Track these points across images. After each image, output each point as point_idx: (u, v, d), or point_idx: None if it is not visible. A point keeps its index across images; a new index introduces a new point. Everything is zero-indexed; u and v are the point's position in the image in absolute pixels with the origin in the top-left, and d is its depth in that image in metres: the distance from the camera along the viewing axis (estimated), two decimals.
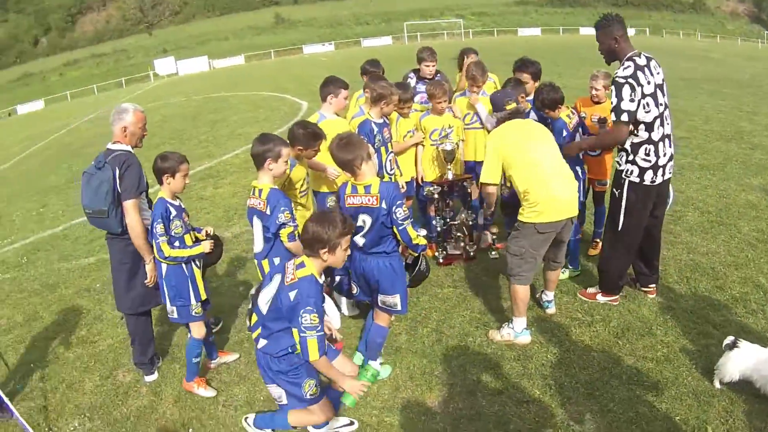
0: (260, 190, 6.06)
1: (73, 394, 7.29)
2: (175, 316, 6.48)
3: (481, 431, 5.67)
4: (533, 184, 6.50)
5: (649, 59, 6.69)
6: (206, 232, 6.76)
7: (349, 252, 5.13)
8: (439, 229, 9.14)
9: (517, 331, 6.99)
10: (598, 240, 8.74)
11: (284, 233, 6.00)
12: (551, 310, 7.52)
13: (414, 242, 5.92)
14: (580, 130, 8.07)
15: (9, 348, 8.73)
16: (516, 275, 6.81)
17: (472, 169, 9.23)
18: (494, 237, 9.37)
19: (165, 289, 6.39)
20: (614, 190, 7.08)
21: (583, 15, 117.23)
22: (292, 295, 4.75)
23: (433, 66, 9.94)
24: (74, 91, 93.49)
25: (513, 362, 6.58)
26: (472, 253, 9.21)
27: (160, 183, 6.20)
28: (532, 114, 8.08)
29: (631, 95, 6.47)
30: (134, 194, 6.45)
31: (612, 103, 6.61)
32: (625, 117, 6.53)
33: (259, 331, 5.13)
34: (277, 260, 6.14)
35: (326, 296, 5.33)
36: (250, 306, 5.56)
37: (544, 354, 6.65)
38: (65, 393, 7.33)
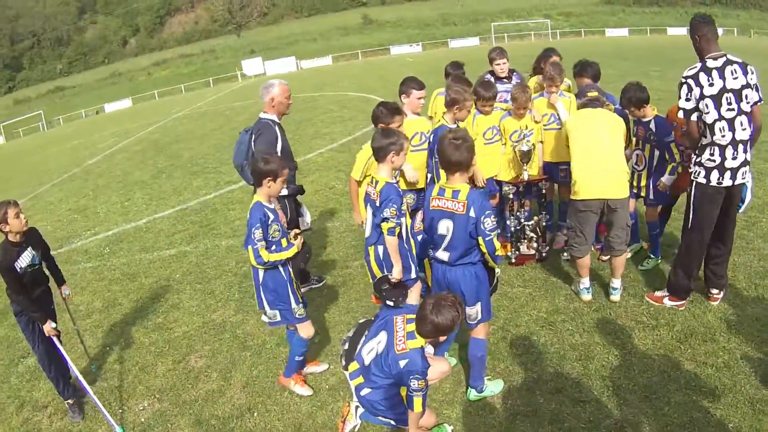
0: (377, 182, 6.21)
1: (145, 376, 7.66)
2: (278, 319, 6.46)
3: (536, 427, 5.74)
4: (576, 163, 7.54)
5: (728, 63, 6.61)
6: (294, 233, 6.57)
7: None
8: (513, 229, 9.18)
9: (579, 288, 8.05)
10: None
11: (385, 227, 6.11)
12: (615, 297, 7.79)
13: (497, 253, 5.83)
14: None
15: (86, 332, 9.18)
16: (570, 246, 7.98)
17: (551, 170, 9.27)
18: (567, 238, 9.27)
19: (262, 294, 6.35)
20: (687, 189, 7.17)
21: (671, 15, 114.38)
22: (402, 363, 5.02)
23: (505, 64, 9.92)
24: (162, 90, 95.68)
25: (574, 362, 6.63)
26: (544, 254, 9.22)
27: (259, 185, 6.14)
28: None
29: (687, 95, 6.69)
30: None
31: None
32: (681, 114, 6.86)
33: (361, 379, 5.35)
34: (381, 249, 6.33)
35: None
36: (345, 347, 5.75)
37: (605, 356, 6.67)
38: (138, 375, 7.72)
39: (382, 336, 5.31)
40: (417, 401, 5.05)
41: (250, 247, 6.01)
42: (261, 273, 6.25)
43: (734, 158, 6.66)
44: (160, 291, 10.37)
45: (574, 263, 8.11)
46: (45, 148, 45.49)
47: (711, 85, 6.52)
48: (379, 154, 6.21)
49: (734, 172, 6.72)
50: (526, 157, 8.70)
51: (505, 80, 9.81)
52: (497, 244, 5.76)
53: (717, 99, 6.52)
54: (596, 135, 7.48)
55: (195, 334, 8.61)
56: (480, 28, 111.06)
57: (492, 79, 9.80)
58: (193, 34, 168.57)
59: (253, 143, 7.82)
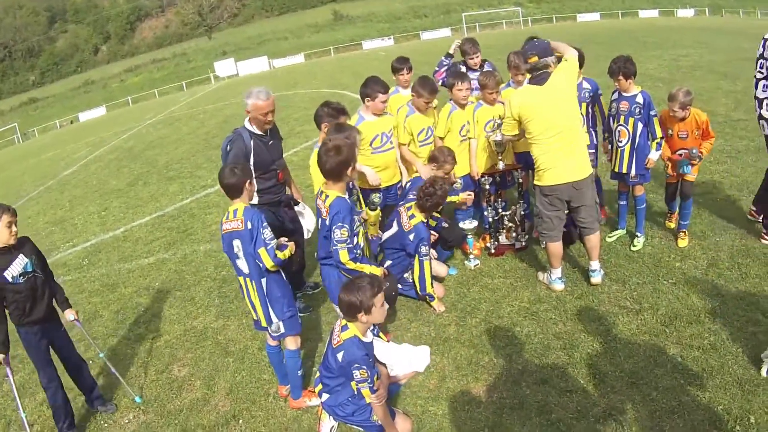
0: (327, 196, 6.19)
1: (129, 388, 7.51)
2: (282, 331, 6.27)
3: (523, 420, 5.71)
4: (536, 147, 7.34)
5: None
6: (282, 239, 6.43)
7: (387, 306, 5.40)
8: (491, 219, 9.14)
9: (551, 279, 7.97)
10: (684, 231, 8.54)
11: (342, 256, 6.14)
12: (595, 279, 7.74)
13: (341, 263, 6.16)
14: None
15: None
16: (541, 233, 7.90)
17: (524, 159, 9.17)
18: None
19: (270, 307, 6.17)
20: None
21: None
22: (339, 356, 5.13)
23: (478, 57, 9.87)
24: (135, 96, 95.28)
25: (559, 351, 6.60)
26: (523, 243, 9.19)
27: (240, 192, 5.97)
28: (584, 83, 8.75)
29: None
30: None
31: None
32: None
33: (320, 386, 5.46)
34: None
35: (384, 341, 5.62)
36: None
37: (590, 343, 6.64)
38: (122, 388, 7.57)
39: (329, 338, 5.45)
40: (365, 393, 5.16)
41: (263, 249, 5.84)
42: (264, 284, 6.10)
43: None
44: (140, 300, 10.28)
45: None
46: (21, 161, 45.18)
47: None
48: (333, 174, 6.18)
49: None
50: (500, 146, 8.66)
51: (478, 71, 9.71)
52: (343, 257, 6.10)
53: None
54: (551, 113, 7.15)
55: (177, 342, 8.54)
56: (451, 19, 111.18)
57: (463, 69, 9.77)
58: (165, 39, 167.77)
59: (228, 154, 7.50)
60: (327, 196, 6.16)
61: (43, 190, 24.98)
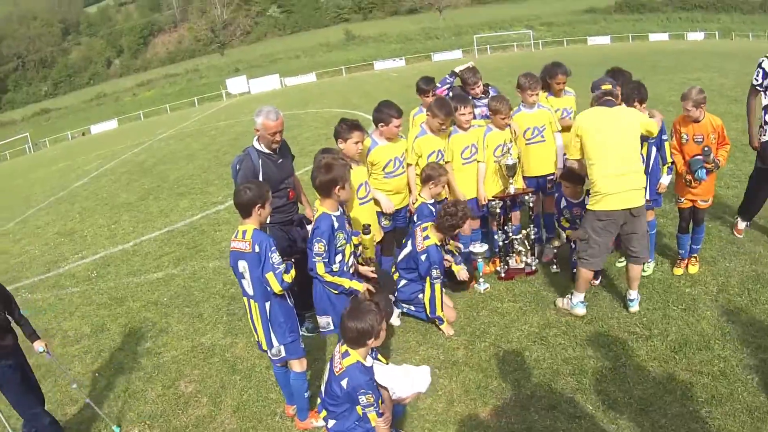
0: (316, 210, 6.39)
1: (135, 402, 7.59)
2: (283, 355, 6.24)
3: None
4: (595, 170, 7.09)
5: None
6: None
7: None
8: (501, 243, 9.13)
9: (573, 303, 7.80)
10: (695, 257, 8.54)
11: (319, 268, 6.28)
12: (634, 308, 7.63)
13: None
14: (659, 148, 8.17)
15: (75, 358, 9.16)
16: (581, 258, 7.53)
17: (536, 183, 9.25)
18: (555, 251, 9.21)
19: (271, 331, 6.13)
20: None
21: (653, 21, 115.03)
22: (344, 383, 5.09)
23: (479, 87, 9.65)
24: (147, 111, 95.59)
25: (568, 377, 6.57)
26: (533, 267, 9.16)
27: (249, 215, 5.97)
28: None
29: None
30: None
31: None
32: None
33: (325, 412, 5.38)
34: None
35: (383, 363, 5.62)
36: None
37: (599, 369, 6.61)
38: (127, 401, 7.65)
39: (329, 365, 5.41)
40: (371, 417, 5.12)
41: (271, 273, 5.82)
42: (268, 308, 6.07)
43: None
44: (148, 315, 10.28)
45: (576, 273, 7.76)
46: (32, 171, 45.35)
47: None
48: (322, 190, 6.35)
49: None
50: (511, 170, 8.68)
51: (482, 96, 9.66)
52: (319, 269, 6.24)
53: None
54: (615, 137, 7.07)
55: (184, 358, 8.52)
56: (462, 40, 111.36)
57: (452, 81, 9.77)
58: (177, 54, 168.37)
59: (238, 173, 7.53)
60: (316, 210, 6.39)
61: (53, 201, 25.04)
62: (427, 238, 7.84)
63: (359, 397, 5.03)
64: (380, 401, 5.26)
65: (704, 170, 7.91)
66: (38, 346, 6.93)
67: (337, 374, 5.13)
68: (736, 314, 7.24)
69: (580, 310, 7.74)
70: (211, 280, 11.30)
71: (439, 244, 7.88)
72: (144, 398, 7.70)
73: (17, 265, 15.60)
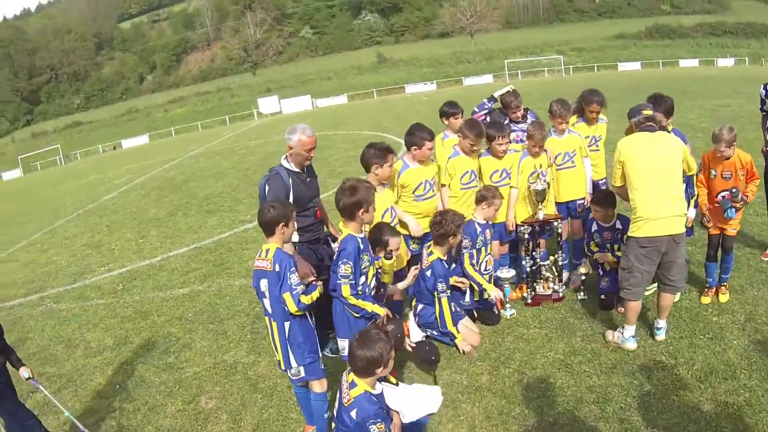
0: (341, 231, 6.41)
1: (154, 416, 7.63)
2: (302, 375, 6.25)
3: None
4: (639, 196, 6.94)
5: None
6: (310, 279, 6.43)
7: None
8: (528, 269, 9.09)
9: (624, 337, 7.49)
10: (724, 285, 8.42)
11: (345, 290, 6.26)
12: (660, 337, 7.49)
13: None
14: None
15: (96, 369, 9.23)
16: (625, 288, 7.29)
17: (565, 209, 9.26)
18: (583, 277, 9.13)
19: (290, 351, 6.15)
20: None
21: (683, 47, 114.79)
22: (353, 414, 5.04)
23: (520, 111, 9.68)
24: (178, 128, 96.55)
25: (591, 405, 6.50)
26: (561, 294, 9.10)
27: (272, 233, 6.01)
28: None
29: None
30: None
31: None
32: None
33: None
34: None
35: (393, 384, 5.60)
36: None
37: (623, 397, 6.53)
38: (147, 415, 7.69)
39: (339, 392, 5.37)
40: None
41: (288, 293, 5.84)
42: (287, 328, 6.08)
43: None
44: (172, 330, 10.33)
45: (597, 302, 7.91)
46: (62, 183, 45.96)
47: None
48: (345, 213, 6.35)
49: None
50: (541, 196, 8.67)
51: (520, 121, 9.66)
52: (345, 291, 6.22)
53: None
54: (658, 162, 6.97)
55: (206, 374, 8.54)
56: (493, 65, 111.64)
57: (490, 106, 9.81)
58: (210, 72, 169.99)
59: (266, 193, 7.51)
60: (341, 232, 6.39)
61: (82, 213, 25.39)
62: (431, 254, 7.93)
63: (369, 427, 4.96)
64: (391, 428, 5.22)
65: (733, 209, 7.90)
66: (24, 372, 6.94)
67: (346, 405, 5.11)
68: (764, 344, 7.14)
69: (632, 345, 7.44)
70: (237, 298, 11.33)
71: (443, 258, 7.91)
72: (164, 412, 7.72)
73: (44, 274, 15.78)
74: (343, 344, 6.45)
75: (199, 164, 36.11)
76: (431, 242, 8.04)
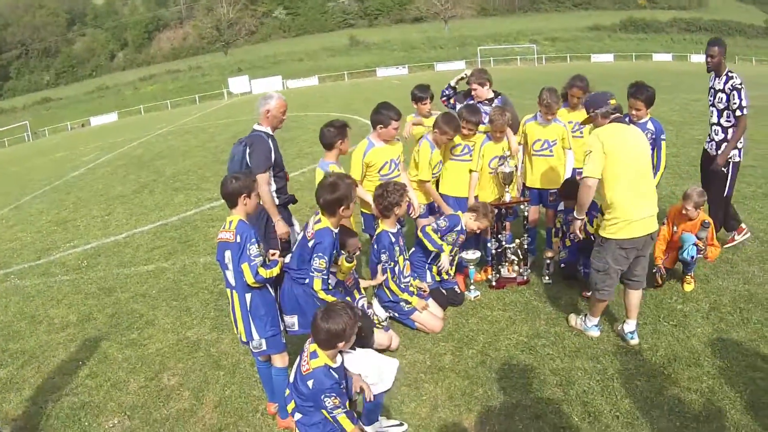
0: (319, 220, 6.33)
1: (116, 393, 7.52)
2: (264, 348, 6.18)
3: None
4: (618, 198, 6.63)
5: None
6: (271, 253, 6.40)
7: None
8: (494, 251, 9.08)
9: (587, 326, 7.50)
10: (690, 275, 8.42)
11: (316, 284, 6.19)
12: (635, 341, 7.22)
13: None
14: None
15: (60, 345, 9.10)
16: (600, 289, 7.10)
17: (537, 195, 9.30)
18: (549, 262, 9.12)
19: (251, 323, 6.09)
20: (723, 169, 9.05)
21: (657, 42, 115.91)
22: (309, 383, 5.02)
23: (477, 89, 9.37)
24: (148, 106, 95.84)
25: (554, 387, 6.50)
26: (525, 277, 9.12)
27: (235, 205, 6.00)
28: (650, 123, 8.57)
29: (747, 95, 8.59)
30: (263, 169, 7.61)
31: (738, 102, 8.69)
32: (746, 111, 8.71)
33: (293, 404, 5.30)
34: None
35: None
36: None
37: (586, 381, 6.54)
38: (109, 391, 7.57)
39: (297, 359, 5.34)
40: (342, 419, 5.01)
41: (246, 264, 5.81)
42: (248, 299, 6.04)
43: None
44: (135, 306, 10.21)
45: (590, 303, 7.46)
46: (29, 159, 45.49)
47: None
48: (326, 209, 6.28)
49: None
50: (508, 179, 8.65)
51: (486, 102, 9.41)
52: (316, 285, 6.14)
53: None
54: (636, 158, 6.73)
55: (169, 351, 8.44)
56: (466, 52, 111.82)
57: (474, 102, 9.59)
58: (181, 51, 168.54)
59: (247, 156, 7.71)
60: (319, 221, 6.27)
61: (48, 190, 25.07)
62: (377, 226, 8.00)
63: (324, 400, 4.94)
64: (347, 403, 5.17)
65: (695, 248, 8.12)
66: None
67: (304, 374, 5.07)
68: (727, 332, 7.19)
69: (595, 332, 7.43)
70: (201, 276, 11.25)
71: (389, 230, 7.86)
72: (126, 389, 7.61)
73: (8, 250, 15.55)
74: (292, 320, 6.43)
75: (167, 142, 35.87)
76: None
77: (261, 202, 7.30)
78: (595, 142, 6.69)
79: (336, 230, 6.32)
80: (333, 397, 4.93)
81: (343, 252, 6.73)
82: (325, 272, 6.13)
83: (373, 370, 5.63)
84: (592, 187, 6.82)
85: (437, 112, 9.31)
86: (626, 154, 6.65)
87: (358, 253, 7.27)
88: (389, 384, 5.72)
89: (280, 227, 7.87)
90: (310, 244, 6.16)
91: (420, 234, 8.48)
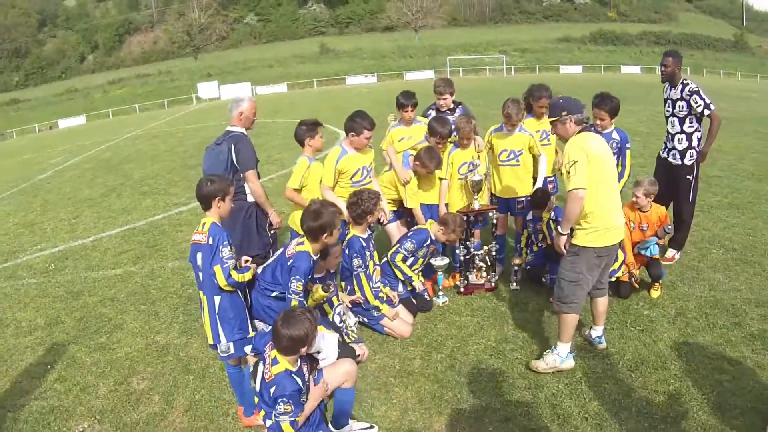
0: (302, 243, 6.48)
1: (86, 397, 7.43)
2: (232, 351, 6.18)
3: None
4: (597, 206, 6.41)
5: None
6: (244, 259, 6.47)
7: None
8: (462, 258, 9.15)
9: (562, 356, 6.84)
10: (658, 283, 8.54)
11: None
12: (603, 345, 7.24)
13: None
14: None
15: (27, 349, 8.97)
16: (570, 302, 6.70)
17: (506, 204, 9.34)
18: (516, 269, 9.18)
19: (219, 326, 6.10)
20: (688, 176, 9.16)
21: (625, 54, 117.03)
22: (272, 390, 5.03)
23: (447, 97, 9.54)
24: (116, 109, 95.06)
25: (523, 391, 6.57)
26: (493, 283, 9.19)
27: (209, 207, 6.04)
28: (615, 133, 8.73)
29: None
30: (252, 165, 7.95)
31: (702, 103, 8.89)
32: (714, 107, 8.96)
33: (263, 412, 5.29)
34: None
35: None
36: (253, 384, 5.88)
37: (555, 384, 6.61)
38: (78, 395, 7.48)
39: (259, 367, 5.36)
40: (284, 426, 5.01)
41: (218, 266, 5.83)
42: (217, 302, 6.04)
43: None
44: (104, 310, 10.10)
45: (560, 323, 6.89)
46: None
47: None
48: (309, 235, 6.43)
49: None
50: (477, 186, 8.72)
51: (448, 112, 9.57)
52: (292, 306, 6.05)
53: None
54: (610, 167, 6.64)
55: (138, 355, 8.38)
56: (436, 61, 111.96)
57: (433, 113, 9.70)
58: (152, 55, 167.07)
59: (234, 153, 7.89)
60: (302, 243, 6.43)
61: (15, 192, 24.70)
62: (348, 232, 8.10)
63: (278, 402, 4.96)
64: (299, 414, 5.16)
65: (657, 247, 8.39)
66: None
67: (267, 381, 5.09)
68: (693, 337, 7.33)
69: (569, 363, 6.89)
70: (169, 280, 11.18)
71: (360, 235, 8.03)
72: (95, 393, 7.54)
73: None
74: (263, 326, 6.47)
75: (135, 146, 35.54)
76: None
77: (254, 199, 8.05)
78: (579, 152, 6.36)
79: (316, 257, 6.42)
80: (286, 404, 4.95)
81: (318, 281, 6.82)
82: (302, 294, 6.23)
83: (328, 347, 5.67)
84: (583, 198, 6.33)
85: (420, 120, 9.43)
86: (605, 161, 6.55)
87: (333, 290, 7.29)
88: (334, 356, 5.74)
89: (274, 218, 8.28)
90: (289, 263, 6.28)
91: (390, 263, 8.58)
